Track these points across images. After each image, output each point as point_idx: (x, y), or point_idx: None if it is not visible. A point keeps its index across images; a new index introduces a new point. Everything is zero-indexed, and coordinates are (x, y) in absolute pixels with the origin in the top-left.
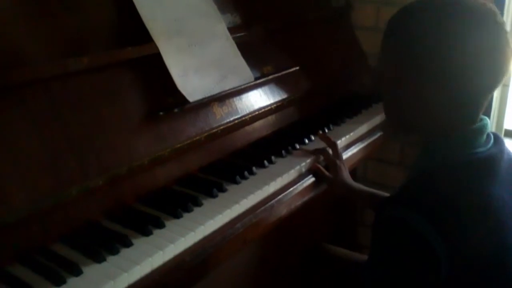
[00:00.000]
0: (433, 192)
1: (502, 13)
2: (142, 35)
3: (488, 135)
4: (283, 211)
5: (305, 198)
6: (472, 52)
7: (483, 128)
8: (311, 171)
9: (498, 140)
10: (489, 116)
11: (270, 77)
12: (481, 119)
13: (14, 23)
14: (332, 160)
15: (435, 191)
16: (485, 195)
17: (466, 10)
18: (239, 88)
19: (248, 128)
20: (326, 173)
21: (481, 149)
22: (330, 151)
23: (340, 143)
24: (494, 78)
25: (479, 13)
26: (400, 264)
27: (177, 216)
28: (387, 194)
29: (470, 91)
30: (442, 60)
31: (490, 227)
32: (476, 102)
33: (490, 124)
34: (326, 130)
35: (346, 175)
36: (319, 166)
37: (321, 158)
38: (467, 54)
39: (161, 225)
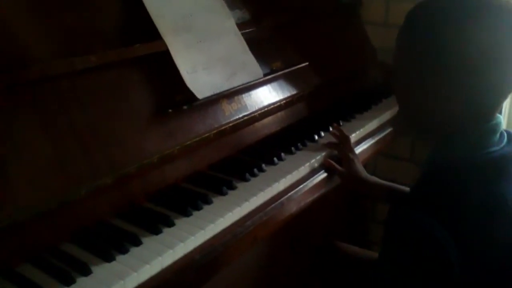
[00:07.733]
0: (448, 195)
1: None
2: (150, 32)
3: (501, 133)
4: (293, 208)
5: (315, 195)
6: (490, 48)
7: (496, 126)
8: (323, 166)
9: (511, 139)
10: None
11: (279, 73)
12: (495, 117)
13: (22, 22)
14: (344, 154)
15: (451, 194)
16: (500, 196)
17: (483, 5)
18: (248, 84)
19: (257, 124)
20: (338, 167)
21: (494, 148)
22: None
23: (351, 139)
24: None
25: (497, 8)
26: (414, 266)
27: (187, 214)
28: (406, 188)
29: (488, 88)
30: (459, 55)
31: (505, 228)
32: (493, 100)
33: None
34: None
35: (360, 169)
36: (331, 161)
37: (333, 152)
38: (485, 50)
39: (170, 224)
